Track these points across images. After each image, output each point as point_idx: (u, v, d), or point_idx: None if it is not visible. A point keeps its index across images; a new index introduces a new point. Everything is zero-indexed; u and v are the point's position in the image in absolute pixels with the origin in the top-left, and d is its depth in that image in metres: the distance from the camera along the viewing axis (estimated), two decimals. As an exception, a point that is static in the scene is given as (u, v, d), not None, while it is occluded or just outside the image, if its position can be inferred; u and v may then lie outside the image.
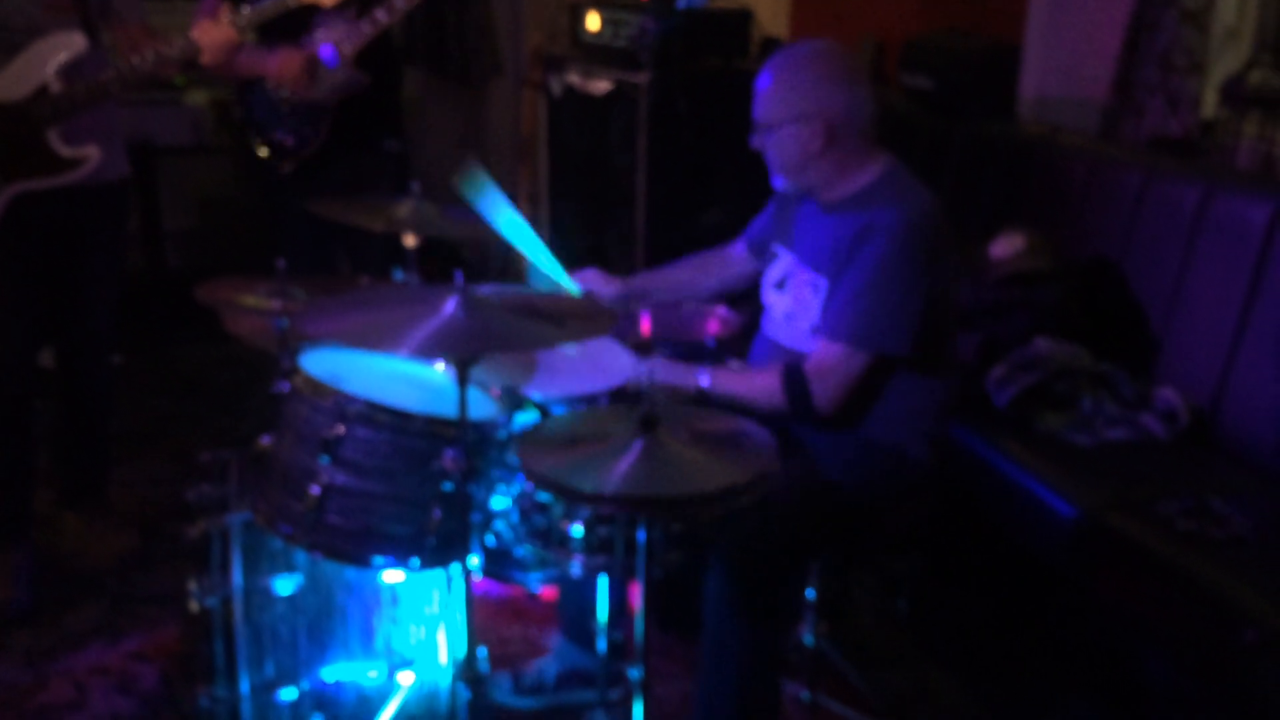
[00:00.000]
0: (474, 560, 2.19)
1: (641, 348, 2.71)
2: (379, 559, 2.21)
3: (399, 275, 2.73)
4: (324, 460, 2.15)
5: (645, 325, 2.81)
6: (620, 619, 2.60)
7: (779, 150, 2.47)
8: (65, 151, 2.97)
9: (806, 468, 2.46)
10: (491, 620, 3.14)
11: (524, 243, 2.71)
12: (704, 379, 2.44)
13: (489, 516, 2.21)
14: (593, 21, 4.65)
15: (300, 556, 2.39)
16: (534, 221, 5.34)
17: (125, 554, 3.40)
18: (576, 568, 2.16)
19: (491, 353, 2.27)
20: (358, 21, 3.16)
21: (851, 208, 2.42)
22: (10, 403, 3.11)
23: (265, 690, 2.42)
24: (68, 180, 2.98)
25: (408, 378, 2.45)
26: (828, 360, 2.38)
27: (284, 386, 2.29)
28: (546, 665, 2.85)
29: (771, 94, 2.45)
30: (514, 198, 5.57)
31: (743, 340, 2.78)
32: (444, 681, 2.51)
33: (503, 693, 2.80)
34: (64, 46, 2.93)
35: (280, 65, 3.20)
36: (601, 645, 2.46)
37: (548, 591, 3.12)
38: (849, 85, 2.41)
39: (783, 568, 2.34)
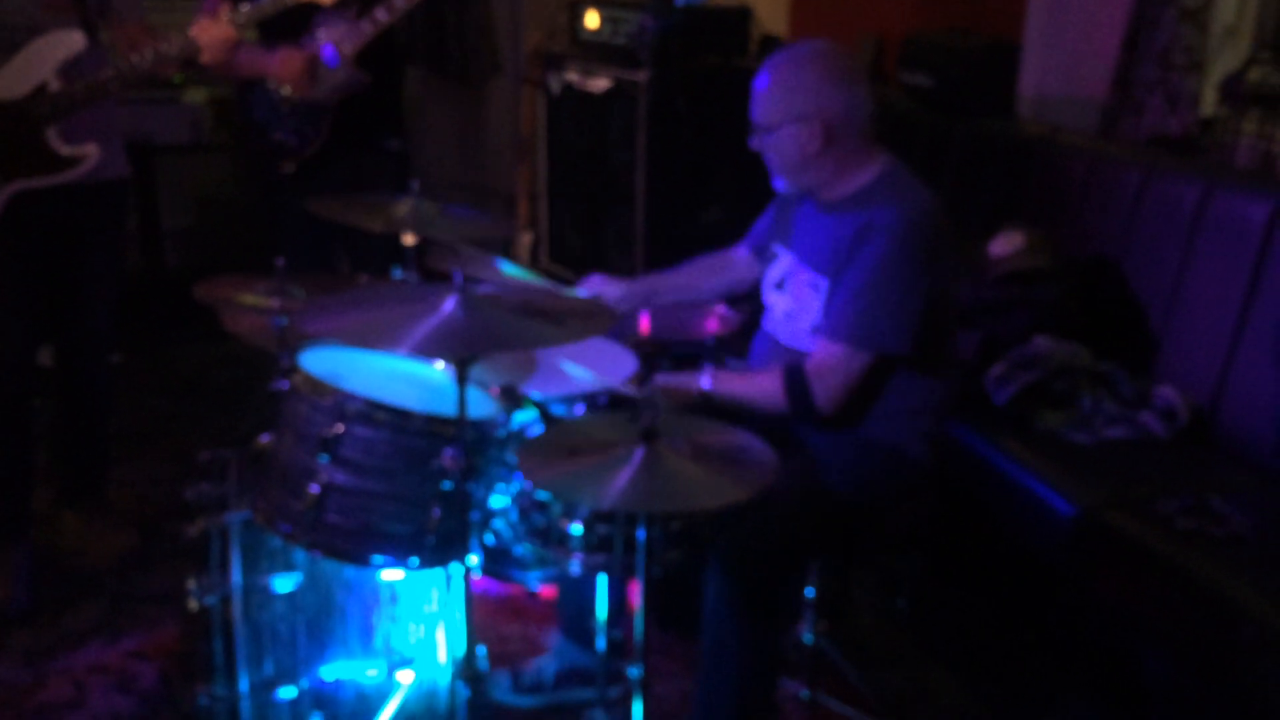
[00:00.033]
0: (473, 559, 2.19)
1: (642, 348, 2.71)
2: (378, 558, 2.21)
3: (398, 274, 2.73)
4: (323, 459, 2.15)
5: (644, 324, 2.81)
6: (619, 617, 2.60)
7: (777, 151, 2.47)
8: (64, 150, 2.97)
9: (806, 467, 2.46)
10: (491, 619, 3.14)
11: None
12: (706, 382, 2.44)
13: (488, 515, 2.21)
14: (592, 19, 4.65)
15: (299, 555, 2.39)
16: (533, 219, 5.36)
17: (124, 553, 3.40)
18: (576, 566, 2.16)
19: (491, 352, 2.26)
20: (358, 21, 3.15)
21: (851, 207, 2.42)
22: (9, 402, 3.11)
23: (264, 689, 2.42)
24: (67, 179, 2.98)
25: (407, 376, 2.45)
26: (829, 360, 2.38)
27: (283, 385, 2.29)
28: (545, 664, 2.85)
29: (769, 95, 2.45)
30: (513, 196, 5.59)
31: (742, 339, 2.77)
32: (443, 680, 2.51)
33: (502, 691, 2.80)
34: (63, 45, 2.93)
35: (281, 65, 3.20)
36: (601, 644, 2.46)
37: (547, 590, 3.12)
38: (847, 85, 2.41)
39: (782, 568, 2.34)
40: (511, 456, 2.19)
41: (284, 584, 2.39)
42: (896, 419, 2.45)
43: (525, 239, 5.54)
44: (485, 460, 2.19)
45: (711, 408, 2.41)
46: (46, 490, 3.44)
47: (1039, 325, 3.24)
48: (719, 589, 2.26)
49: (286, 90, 3.27)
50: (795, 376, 2.39)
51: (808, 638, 2.77)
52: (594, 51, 4.67)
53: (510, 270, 2.84)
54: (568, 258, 5.07)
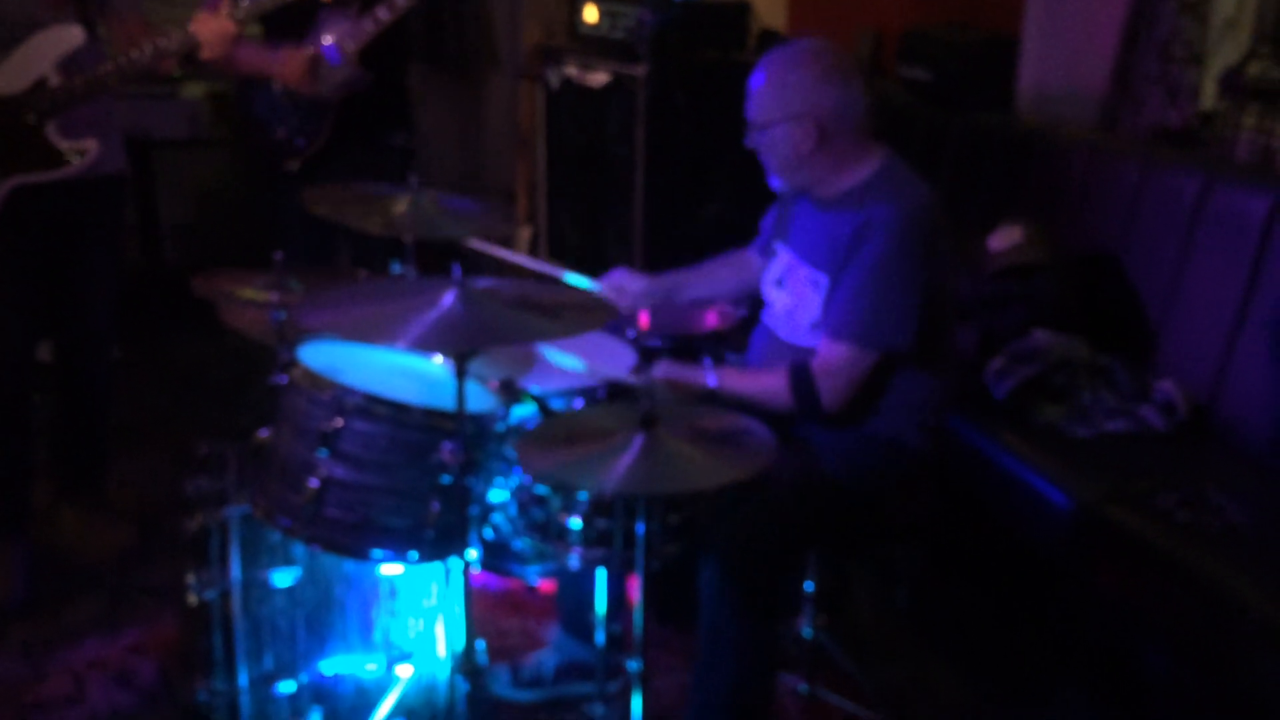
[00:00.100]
0: (472, 553, 2.19)
1: (641, 341, 2.71)
2: (377, 552, 2.21)
3: (396, 268, 2.73)
4: (322, 453, 2.15)
5: (644, 318, 2.81)
6: (618, 611, 2.60)
7: (772, 150, 2.47)
8: (63, 145, 2.97)
9: (804, 460, 2.47)
10: (490, 613, 3.14)
11: None
12: (711, 380, 2.44)
13: (487, 509, 2.21)
14: (590, 14, 4.64)
15: (299, 549, 2.39)
16: (531, 214, 5.35)
17: (123, 547, 3.40)
18: (575, 560, 2.16)
19: (489, 346, 2.26)
20: (360, 19, 3.16)
21: (848, 204, 2.42)
22: (9, 397, 3.11)
23: (264, 683, 2.42)
24: (65, 174, 2.98)
25: (406, 370, 2.45)
26: (834, 359, 2.38)
27: (282, 379, 2.29)
28: (545, 658, 2.85)
29: (763, 94, 2.45)
30: (512, 191, 5.59)
31: (741, 334, 2.78)
32: (442, 674, 2.51)
33: (501, 685, 2.80)
34: (62, 40, 2.93)
35: (283, 63, 3.20)
36: (600, 638, 2.46)
37: (546, 584, 3.12)
38: (841, 83, 2.40)
39: (779, 560, 2.34)
40: (510, 451, 2.19)
41: (283, 578, 2.40)
42: (895, 412, 2.45)
43: (524, 234, 5.54)
44: (484, 454, 2.19)
45: (715, 403, 2.41)
46: (46, 485, 3.44)
47: (1038, 319, 3.24)
48: (715, 582, 2.26)
49: (289, 88, 3.26)
50: (801, 375, 2.39)
51: (806, 631, 2.78)
52: (592, 46, 4.66)
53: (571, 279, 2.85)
54: (566, 253, 5.06)
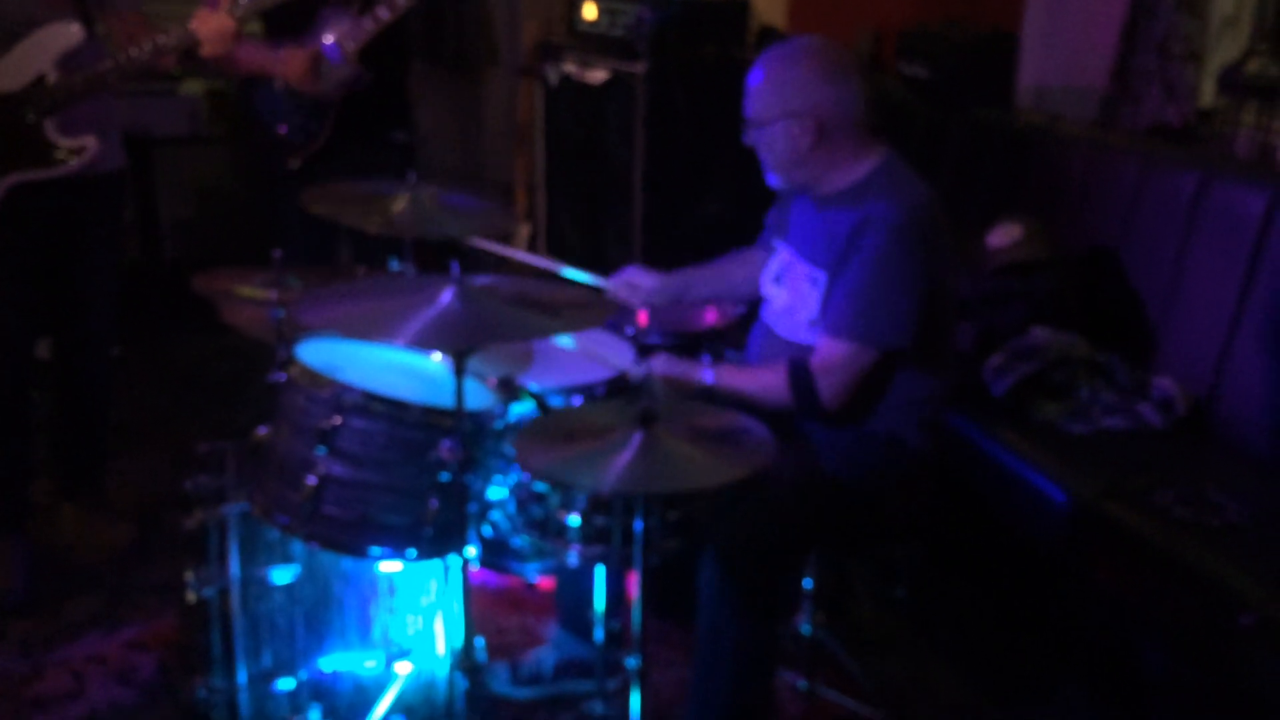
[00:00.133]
0: (471, 550, 2.19)
1: (640, 338, 2.71)
2: (376, 549, 2.21)
3: (395, 265, 2.73)
4: (320, 451, 2.16)
5: (643, 315, 2.81)
6: (617, 608, 2.60)
7: (770, 147, 2.46)
8: (62, 142, 2.97)
9: (803, 458, 2.46)
10: (489, 610, 3.14)
11: None
12: (708, 376, 2.44)
13: (486, 507, 2.21)
14: (589, 10, 4.64)
15: (297, 547, 2.39)
16: (530, 211, 5.35)
17: (123, 545, 3.40)
18: (574, 557, 2.16)
19: (487, 343, 2.26)
20: (360, 18, 3.16)
21: (846, 202, 2.42)
22: (8, 395, 3.11)
23: (263, 680, 2.42)
24: (64, 171, 2.98)
25: (404, 368, 2.45)
26: (832, 357, 2.38)
27: (280, 377, 2.29)
28: (544, 655, 2.85)
29: (761, 91, 2.45)
30: (510, 188, 5.58)
31: (740, 331, 2.78)
32: (441, 671, 2.52)
33: (500, 683, 2.80)
34: (61, 37, 2.93)
35: (284, 62, 3.20)
36: (599, 634, 2.46)
37: (545, 581, 3.12)
38: (839, 81, 2.40)
39: (777, 558, 2.34)
40: (509, 448, 2.19)
41: (282, 576, 2.40)
42: (894, 409, 2.45)
43: (523, 230, 5.53)
44: (483, 452, 2.19)
45: (713, 402, 2.41)
46: (45, 483, 3.44)
47: (1037, 316, 3.25)
48: (715, 581, 2.26)
49: (291, 86, 3.27)
50: (800, 374, 2.39)
51: (806, 628, 2.78)
52: (591, 43, 4.66)
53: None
54: (565, 249, 5.06)
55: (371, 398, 2.16)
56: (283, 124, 3.35)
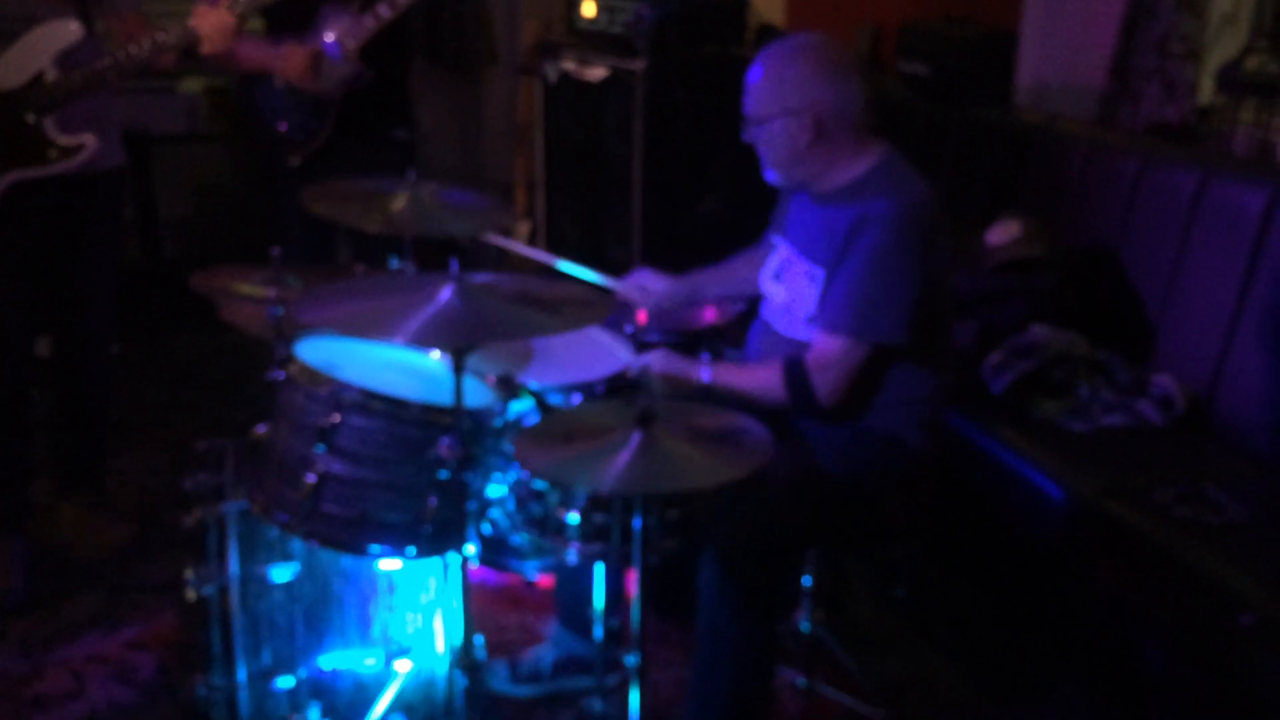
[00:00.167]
0: (470, 548, 2.19)
1: (639, 335, 2.71)
2: (375, 547, 2.21)
3: (394, 263, 2.73)
4: (320, 449, 2.16)
5: (642, 313, 2.81)
6: (617, 606, 2.60)
7: (769, 144, 2.46)
8: (61, 140, 2.96)
9: (802, 457, 2.46)
10: (488, 608, 3.14)
11: None
12: (705, 373, 2.44)
13: (485, 504, 2.21)
14: (588, 8, 4.64)
15: (297, 545, 2.39)
16: (530, 209, 5.35)
17: (122, 543, 3.40)
18: (573, 555, 2.16)
19: (487, 341, 2.26)
20: (361, 16, 3.16)
21: (845, 199, 2.42)
22: (7, 394, 3.11)
23: (262, 678, 2.42)
24: (63, 169, 2.98)
25: (403, 366, 2.45)
26: (828, 353, 2.38)
27: (279, 375, 2.29)
28: (543, 653, 2.85)
29: (760, 88, 2.45)
30: (510, 186, 5.58)
31: (739, 329, 2.78)
32: (441, 669, 2.51)
33: (500, 681, 2.80)
34: (60, 35, 2.93)
35: (284, 59, 3.21)
36: (598, 632, 2.46)
37: (544, 579, 3.13)
38: (838, 79, 2.40)
39: (777, 557, 2.34)
40: (508, 446, 2.19)
41: (281, 574, 2.40)
42: (893, 408, 2.45)
43: (523, 228, 5.53)
44: (482, 449, 2.19)
45: (711, 399, 2.41)
46: (45, 481, 3.44)
47: (1036, 314, 3.25)
48: (714, 579, 2.26)
49: (292, 84, 3.27)
50: (795, 369, 2.39)
51: (805, 626, 2.78)
52: (590, 40, 4.66)
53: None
54: (564, 247, 5.06)
55: (370, 395, 2.16)
56: (283, 121, 3.35)
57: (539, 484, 2.14)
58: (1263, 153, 3.46)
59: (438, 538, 2.19)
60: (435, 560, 2.33)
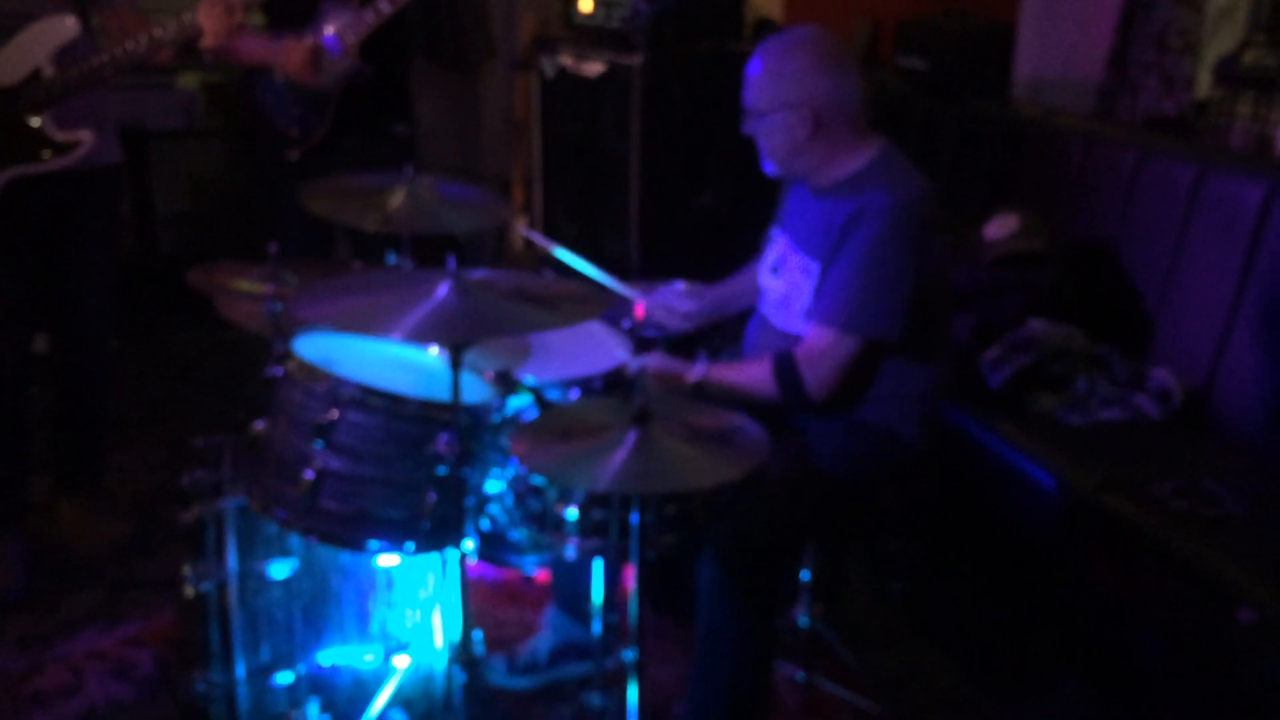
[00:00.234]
0: (469, 544, 2.19)
1: (637, 331, 2.71)
2: (373, 543, 2.21)
3: (392, 259, 2.73)
4: (318, 445, 2.16)
5: (639, 309, 2.81)
6: (615, 602, 2.60)
7: (768, 137, 2.47)
8: (58, 136, 2.96)
9: (799, 452, 2.47)
10: (487, 603, 3.14)
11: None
12: (699, 371, 2.44)
13: (483, 500, 2.21)
14: (585, 3, 4.63)
15: (295, 541, 2.39)
16: (527, 204, 5.34)
17: (121, 540, 3.40)
18: (571, 551, 2.16)
19: (484, 337, 2.26)
20: (361, 11, 3.17)
21: (842, 193, 2.42)
22: (6, 391, 3.11)
23: (261, 674, 2.42)
24: (60, 165, 2.97)
25: (401, 362, 2.44)
26: (818, 346, 2.38)
27: (277, 371, 2.29)
28: (540, 642, 2.85)
29: (759, 81, 2.45)
30: (508, 181, 5.58)
31: (739, 325, 2.77)
32: (439, 665, 2.51)
33: (497, 675, 2.80)
34: (57, 31, 2.92)
35: (284, 54, 3.20)
36: (597, 628, 2.46)
37: (543, 575, 3.13)
38: (837, 73, 2.40)
39: (775, 553, 2.35)
40: (506, 441, 2.19)
41: (280, 570, 2.40)
42: (890, 403, 2.46)
43: (520, 224, 5.53)
44: (480, 445, 2.19)
45: (704, 396, 2.41)
46: (43, 478, 3.44)
47: (1034, 308, 3.25)
48: (713, 575, 2.26)
49: (291, 79, 3.27)
50: (785, 363, 2.39)
51: (803, 621, 2.78)
52: (588, 35, 4.65)
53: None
54: (562, 242, 5.05)
55: (368, 392, 2.16)
56: (283, 116, 3.36)
57: (537, 480, 2.14)
58: (1260, 146, 3.46)
59: (436, 533, 2.19)
60: (434, 556, 2.33)
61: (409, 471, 2.16)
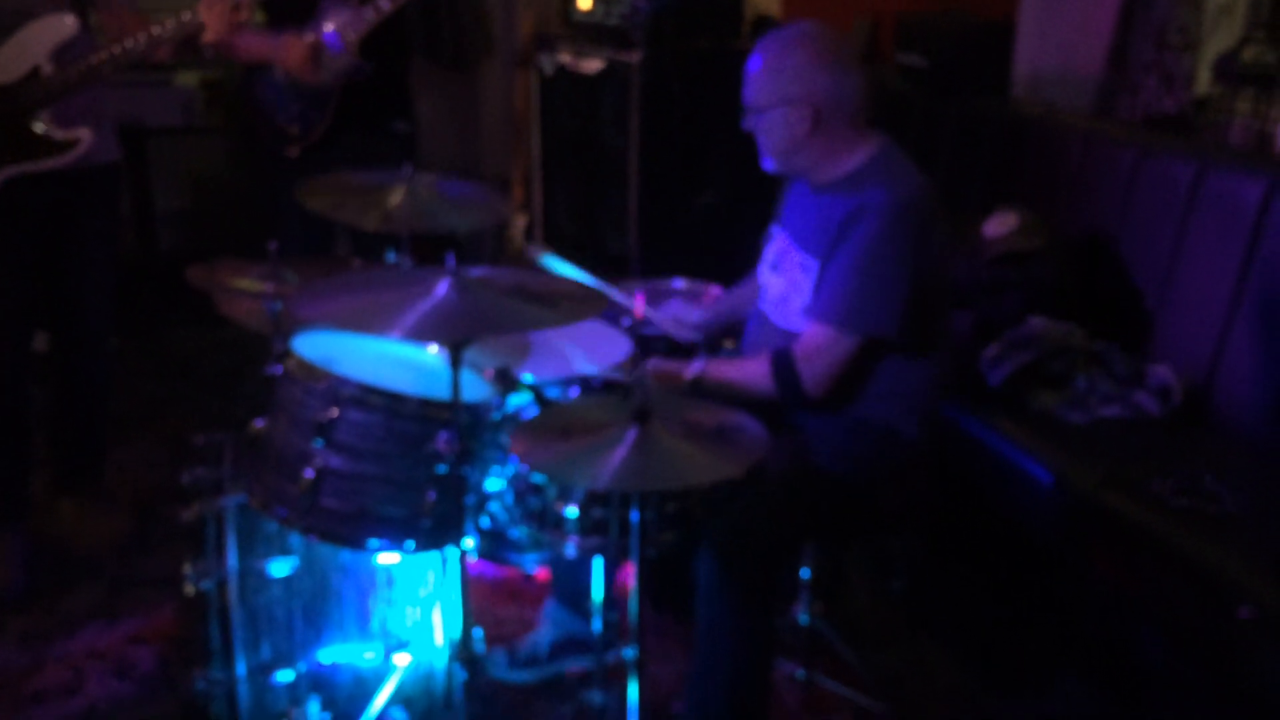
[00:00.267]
0: (469, 542, 2.19)
1: (637, 329, 2.71)
2: (374, 541, 2.21)
3: (391, 257, 2.73)
4: (318, 443, 2.16)
5: (639, 307, 2.81)
6: (615, 599, 2.60)
7: (768, 133, 2.47)
8: (57, 134, 2.96)
9: (798, 450, 2.47)
10: (487, 601, 3.14)
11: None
12: (697, 369, 2.44)
13: (483, 498, 2.21)
14: (584, 0, 4.63)
15: (295, 539, 2.39)
16: (527, 201, 5.34)
17: (121, 538, 3.40)
18: (571, 549, 2.16)
19: (484, 335, 2.27)
20: (361, 8, 3.17)
21: (842, 190, 2.42)
22: (6, 389, 3.11)
23: (262, 672, 2.42)
24: (60, 163, 2.97)
25: (401, 360, 2.44)
26: (816, 342, 2.38)
27: (277, 370, 2.29)
28: (540, 635, 2.86)
29: (759, 77, 2.45)
30: (507, 179, 5.58)
31: (739, 323, 2.78)
32: (440, 662, 2.52)
33: (498, 668, 2.80)
34: (56, 29, 2.92)
35: (284, 50, 3.21)
36: (597, 626, 2.46)
37: (543, 572, 3.13)
38: (837, 69, 2.40)
39: (774, 551, 2.35)
40: (506, 439, 2.19)
41: (280, 568, 2.40)
42: (889, 401, 2.46)
43: (520, 222, 5.53)
44: (480, 444, 2.19)
45: (702, 394, 2.41)
46: (44, 476, 3.44)
47: (1034, 305, 3.25)
48: (712, 573, 2.26)
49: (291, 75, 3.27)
50: (783, 360, 2.39)
51: (803, 618, 2.78)
52: (586, 32, 4.65)
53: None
54: (561, 240, 5.06)
55: (368, 390, 2.16)
56: (283, 113, 3.36)
57: (537, 478, 2.14)
58: (1260, 143, 3.46)
59: (436, 531, 2.19)
60: (434, 554, 2.34)
61: (409, 470, 2.17)
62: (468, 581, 2.21)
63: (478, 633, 2.38)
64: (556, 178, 5.07)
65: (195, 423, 2.68)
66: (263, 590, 2.40)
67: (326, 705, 2.47)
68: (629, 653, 2.09)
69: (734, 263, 2.95)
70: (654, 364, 2.47)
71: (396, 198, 2.54)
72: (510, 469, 2.18)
